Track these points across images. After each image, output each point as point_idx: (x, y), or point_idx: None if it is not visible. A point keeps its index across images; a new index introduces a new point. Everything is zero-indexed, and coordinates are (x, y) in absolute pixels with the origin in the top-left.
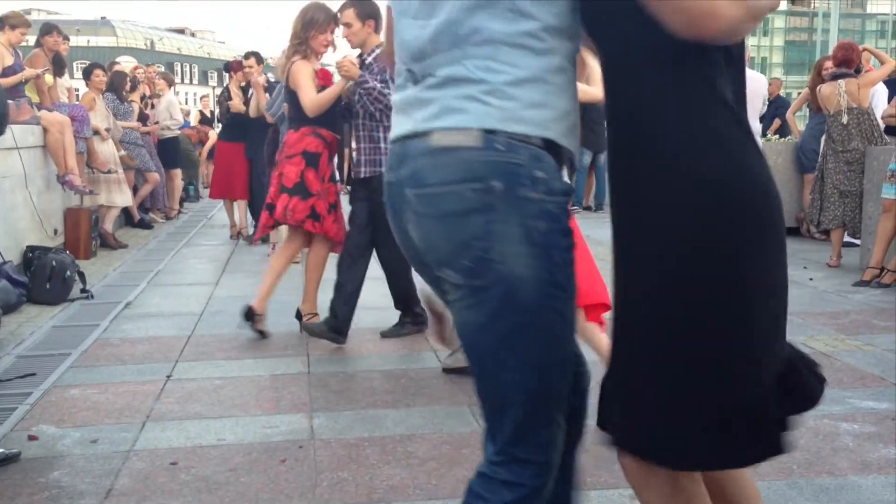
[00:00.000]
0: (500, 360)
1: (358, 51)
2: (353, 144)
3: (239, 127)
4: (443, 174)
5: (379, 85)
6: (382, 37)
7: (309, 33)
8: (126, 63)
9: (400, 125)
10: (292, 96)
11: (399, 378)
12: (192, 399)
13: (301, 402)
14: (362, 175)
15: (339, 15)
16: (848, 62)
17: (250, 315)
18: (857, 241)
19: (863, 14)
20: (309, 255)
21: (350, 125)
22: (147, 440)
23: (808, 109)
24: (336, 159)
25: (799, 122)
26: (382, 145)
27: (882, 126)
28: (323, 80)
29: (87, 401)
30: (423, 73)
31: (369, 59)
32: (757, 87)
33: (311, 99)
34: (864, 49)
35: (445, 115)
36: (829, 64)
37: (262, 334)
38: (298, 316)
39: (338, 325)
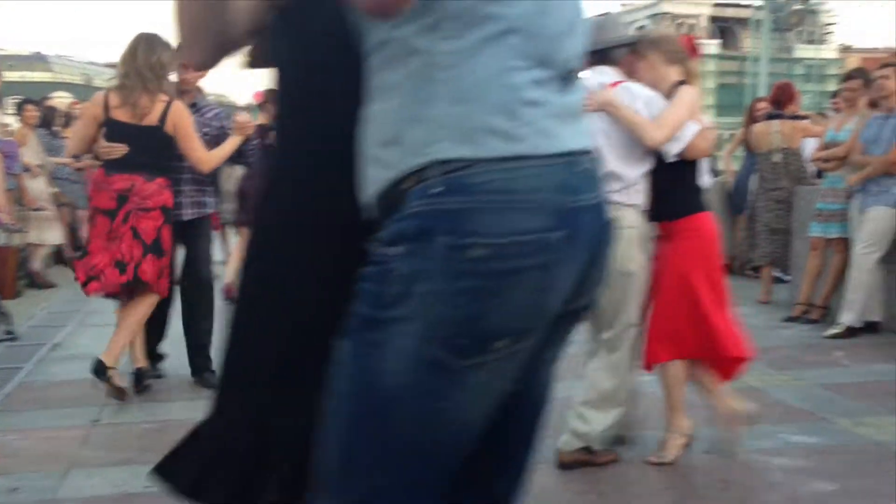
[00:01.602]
0: None
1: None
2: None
3: None
4: None
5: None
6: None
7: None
8: (62, 98)
9: (572, 138)
10: (159, 139)
11: None
12: (119, 445)
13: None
14: (186, 217)
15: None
16: (780, 103)
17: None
18: (787, 278)
19: (791, 58)
20: (136, 309)
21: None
22: (71, 488)
23: (743, 150)
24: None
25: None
26: (207, 188)
27: (811, 168)
28: None
29: (8, 447)
30: (577, 77)
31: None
32: None
33: (212, 156)
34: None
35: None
36: (760, 105)
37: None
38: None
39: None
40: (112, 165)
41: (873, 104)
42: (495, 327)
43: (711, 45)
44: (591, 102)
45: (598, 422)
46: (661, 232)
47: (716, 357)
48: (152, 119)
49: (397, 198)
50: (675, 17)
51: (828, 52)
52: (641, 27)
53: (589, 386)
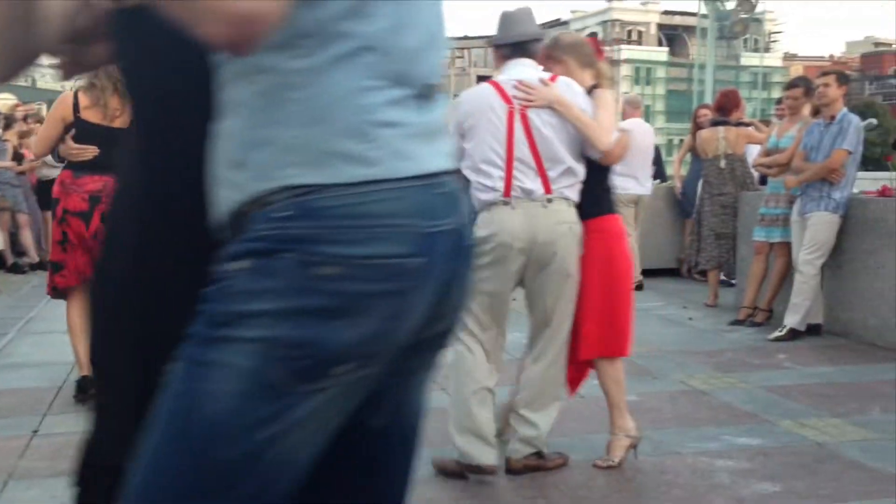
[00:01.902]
0: None
1: None
2: None
3: None
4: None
5: None
6: None
7: None
8: (5, 101)
9: (432, 158)
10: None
11: None
12: (60, 455)
13: None
14: None
15: None
16: (725, 109)
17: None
18: (733, 282)
19: (737, 66)
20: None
21: None
22: (9, 500)
23: (690, 155)
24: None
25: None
26: None
27: (755, 174)
28: None
29: None
30: (436, 94)
31: None
32: (649, 140)
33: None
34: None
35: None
36: (703, 112)
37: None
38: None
39: None
40: (81, 167)
41: (816, 112)
42: (340, 351)
43: (661, 52)
44: (537, 98)
45: (544, 422)
46: None
47: (572, 359)
48: (124, 121)
49: (246, 220)
50: (624, 24)
51: (773, 59)
52: (592, 34)
53: (526, 388)
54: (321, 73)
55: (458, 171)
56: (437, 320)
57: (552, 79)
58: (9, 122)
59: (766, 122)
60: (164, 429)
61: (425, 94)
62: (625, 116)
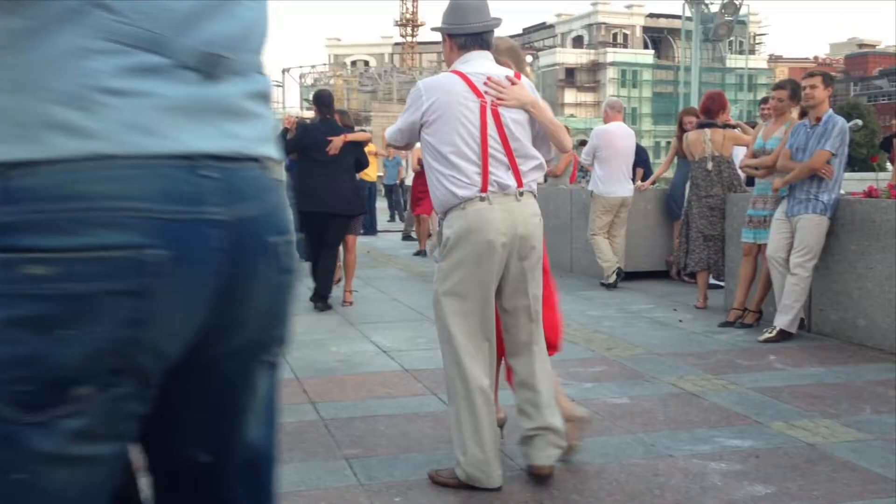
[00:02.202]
0: None
1: None
2: None
3: None
4: (291, 218)
5: None
6: None
7: None
8: None
9: (203, 138)
10: None
11: None
12: None
13: None
14: None
15: None
16: (710, 112)
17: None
18: (722, 283)
19: (723, 68)
20: None
21: None
22: None
23: (676, 157)
24: None
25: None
26: None
27: (742, 176)
28: None
29: None
30: (234, 69)
31: None
32: (631, 143)
33: None
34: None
35: (271, 141)
36: (688, 119)
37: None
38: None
39: None
40: None
41: (804, 113)
42: (72, 369)
43: (647, 55)
44: (509, 97)
45: (560, 417)
46: None
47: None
48: None
49: None
50: (609, 27)
51: (758, 61)
52: (578, 37)
53: (537, 388)
54: (36, 32)
55: (267, 160)
56: (229, 332)
57: (517, 76)
58: None
59: (752, 125)
60: None
61: (201, 66)
62: (606, 120)
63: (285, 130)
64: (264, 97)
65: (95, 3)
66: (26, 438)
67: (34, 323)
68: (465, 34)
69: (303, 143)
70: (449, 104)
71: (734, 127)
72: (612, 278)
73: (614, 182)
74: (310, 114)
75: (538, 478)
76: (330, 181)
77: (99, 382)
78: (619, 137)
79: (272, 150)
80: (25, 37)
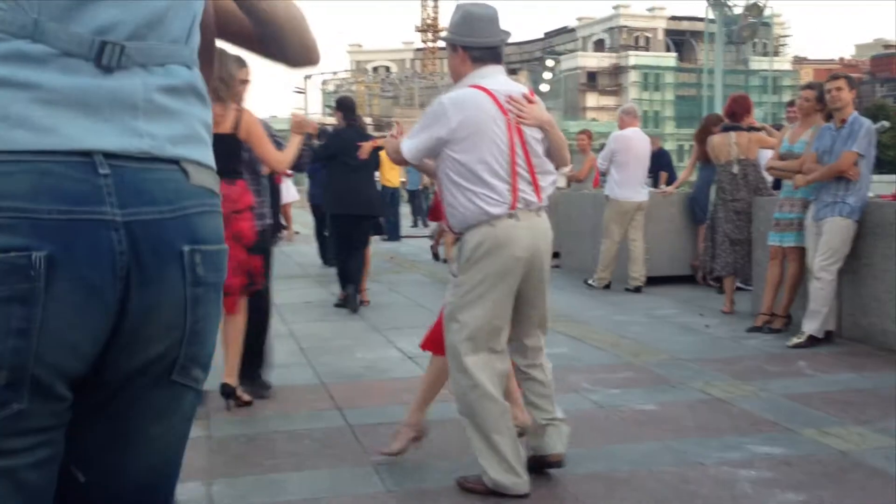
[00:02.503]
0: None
1: None
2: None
3: None
4: (217, 228)
5: None
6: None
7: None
8: None
9: (95, 134)
10: (232, 147)
11: (302, 439)
12: None
13: (199, 469)
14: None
15: None
16: (735, 115)
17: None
18: (749, 288)
19: (746, 70)
20: (236, 322)
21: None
22: None
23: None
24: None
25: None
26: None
27: (769, 179)
28: None
29: None
30: (140, 61)
31: None
32: (647, 149)
33: (286, 155)
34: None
35: (196, 143)
36: (716, 130)
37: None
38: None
39: None
40: None
41: (829, 116)
42: None
43: (669, 58)
44: (529, 117)
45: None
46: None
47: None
48: (226, 126)
49: None
50: (631, 30)
51: (782, 63)
52: (600, 41)
53: (548, 388)
54: None
55: (189, 163)
56: (133, 346)
57: (531, 94)
58: None
59: (778, 127)
60: None
61: (94, 56)
62: (622, 125)
63: (309, 136)
64: (189, 92)
65: None
66: None
67: None
68: (482, 48)
69: (333, 149)
70: (481, 121)
71: (759, 129)
72: (596, 284)
73: (630, 187)
74: (331, 120)
75: (553, 465)
76: (360, 184)
77: None
78: (637, 142)
79: (196, 153)
80: None
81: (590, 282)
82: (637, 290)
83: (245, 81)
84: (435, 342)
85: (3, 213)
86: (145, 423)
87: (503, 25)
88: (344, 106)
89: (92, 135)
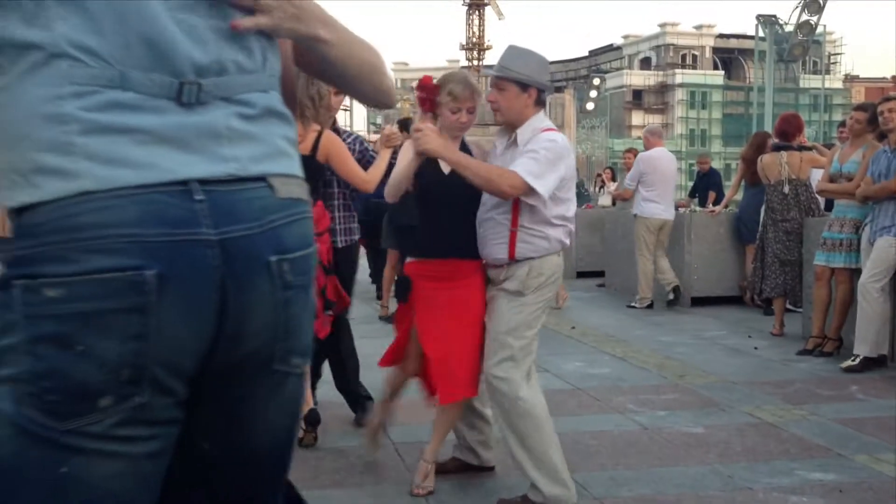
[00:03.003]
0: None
1: None
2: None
3: None
4: (303, 234)
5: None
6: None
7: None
8: None
9: (189, 164)
10: (312, 168)
11: (346, 456)
12: None
13: None
14: (339, 245)
15: None
16: (788, 135)
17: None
18: (799, 310)
19: (796, 88)
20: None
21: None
22: None
23: (743, 182)
24: None
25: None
26: (354, 213)
27: (822, 200)
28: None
29: None
30: (218, 94)
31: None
32: (673, 167)
33: (372, 175)
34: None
35: (279, 158)
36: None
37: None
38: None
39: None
40: None
41: (881, 136)
42: (90, 381)
43: (717, 76)
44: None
45: None
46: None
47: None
48: (305, 148)
49: None
50: (678, 48)
51: (833, 81)
52: (646, 59)
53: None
54: (15, 88)
55: (275, 177)
56: (236, 342)
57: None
58: None
59: (829, 146)
60: None
61: (176, 96)
62: (647, 146)
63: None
64: (267, 115)
65: (56, 52)
66: (65, 447)
67: (54, 340)
68: (547, 93)
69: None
70: (573, 165)
71: (809, 149)
72: (639, 305)
73: (657, 205)
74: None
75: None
76: None
77: (118, 393)
78: (664, 162)
79: (279, 166)
80: (10, 94)
81: (632, 304)
82: (650, 306)
83: (334, 104)
84: (395, 356)
85: (118, 239)
86: (254, 403)
87: (550, 45)
88: (409, 126)
89: (185, 166)
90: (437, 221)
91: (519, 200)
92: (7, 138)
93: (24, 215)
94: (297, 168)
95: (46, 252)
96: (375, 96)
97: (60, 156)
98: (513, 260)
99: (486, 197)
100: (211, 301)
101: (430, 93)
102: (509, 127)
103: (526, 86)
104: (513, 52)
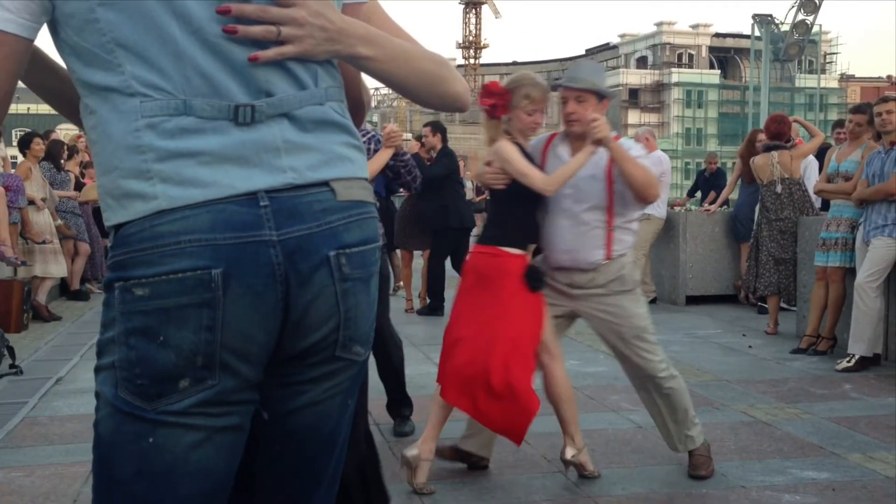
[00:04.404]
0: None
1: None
2: None
3: None
4: (364, 232)
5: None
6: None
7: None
8: (67, 131)
9: (249, 178)
10: None
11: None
12: None
13: None
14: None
15: None
16: (779, 135)
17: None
18: (793, 308)
19: (792, 87)
20: None
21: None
22: None
23: (740, 180)
24: None
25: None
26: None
27: (817, 199)
28: None
29: (12, 484)
30: (271, 112)
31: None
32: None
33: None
34: (794, 120)
35: (337, 163)
36: (762, 136)
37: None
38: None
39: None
40: None
41: (878, 135)
42: (168, 366)
43: (713, 75)
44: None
45: None
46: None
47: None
48: None
49: None
50: (674, 47)
51: (829, 81)
52: (642, 58)
53: None
54: (103, 126)
55: (336, 181)
56: (300, 332)
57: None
58: (71, 152)
59: (826, 148)
60: (93, 458)
61: (234, 117)
62: (651, 149)
63: (419, 158)
64: (323, 125)
65: (130, 92)
66: (158, 425)
67: (142, 332)
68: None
69: (452, 167)
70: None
71: (793, 145)
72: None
73: (663, 206)
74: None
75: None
76: (466, 201)
77: (194, 376)
78: (668, 164)
79: (338, 171)
80: (101, 130)
81: None
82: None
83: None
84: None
85: (191, 243)
86: (318, 386)
87: (548, 41)
88: (441, 128)
89: (245, 181)
90: (533, 213)
91: (613, 201)
92: (104, 169)
93: (120, 230)
94: (359, 171)
95: (135, 258)
96: (442, 104)
97: (140, 181)
98: (608, 260)
99: (569, 203)
100: (274, 294)
101: (500, 98)
102: (579, 136)
103: (602, 97)
104: (588, 66)
